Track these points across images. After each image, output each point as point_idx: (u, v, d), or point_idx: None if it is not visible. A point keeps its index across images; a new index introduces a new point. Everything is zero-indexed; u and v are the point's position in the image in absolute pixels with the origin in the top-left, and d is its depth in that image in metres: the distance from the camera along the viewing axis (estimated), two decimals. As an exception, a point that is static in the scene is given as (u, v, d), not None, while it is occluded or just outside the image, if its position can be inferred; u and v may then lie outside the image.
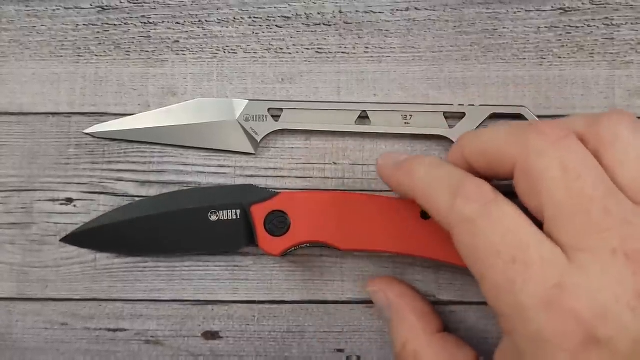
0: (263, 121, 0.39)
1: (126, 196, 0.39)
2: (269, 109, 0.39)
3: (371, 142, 0.39)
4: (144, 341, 0.38)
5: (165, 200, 0.38)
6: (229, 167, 0.39)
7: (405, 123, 0.38)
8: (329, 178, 0.39)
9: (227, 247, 0.38)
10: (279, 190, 0.37)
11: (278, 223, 0.36)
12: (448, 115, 0.38)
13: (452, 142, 0.38)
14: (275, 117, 0.39)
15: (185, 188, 0.39)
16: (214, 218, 0.37)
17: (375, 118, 0.39)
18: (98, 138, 0.39)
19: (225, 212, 0.37)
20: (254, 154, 0.39)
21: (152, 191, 0.39)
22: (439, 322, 0.35)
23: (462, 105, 0.38)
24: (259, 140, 0.39)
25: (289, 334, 0.38)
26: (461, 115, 0.38)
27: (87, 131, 0.39)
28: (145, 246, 0.38)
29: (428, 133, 0.38)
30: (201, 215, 0.37)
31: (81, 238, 0.38)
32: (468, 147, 0.31)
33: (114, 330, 0.38)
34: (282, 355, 0.38)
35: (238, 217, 0.37)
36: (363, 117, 0.39)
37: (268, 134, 0.39)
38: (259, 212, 0.36)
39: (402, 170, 0.32)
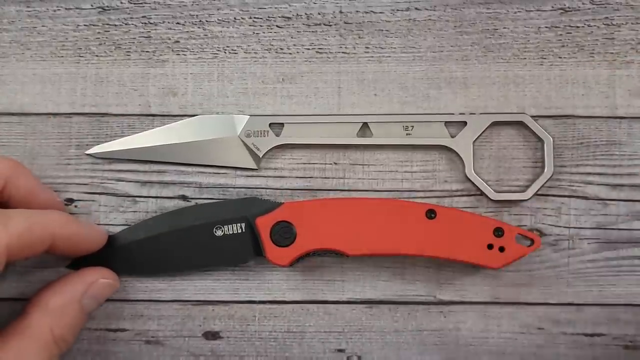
0: (265, 136, 0.39)
1: (127, 196, 0.39)
2: (270, 124, 0.39)
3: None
4: (144, 341, 0.38)
5: (168, 218, 0.38)
6: (230, 167, 0.39)
7: (407, 134, 0.38)
8: (329, 178, 0.39)
9: (235, 260, 0.37)
10: (281, 202, 0.37)
11: (284, 233, 0.36)
12: (449, 125, 0.38)
13: (453, 151, 0.38)
14: (277, 132, 0.39)
15: (189, 204, 0.39)
16: (219, 233, 0.37)
17: (376, 130, 0.38)
18: (100, 159, 0.39)
19: (230, 226, 0.37)
20: (257, 169, 0.39)
21: (153, 191, 0.39)
22: None
23: (464, 114, 0.38)
24: (261, 156, 0.39)
25: (289, 334, 0.38)
26: (462, 124, 0.38)
27: (88, 152, 0.39)
28: (153, 266, 0.38)
29: (430, 143, 0.38)
30: (207, 231, 0.37)
31: (86, 262, 0.37)
32: None
33: (115, 330, 0.38)
34: (282, 355, 0.38)
35: (243, 230, 0.37)
36: (364, 129, 0.39)
37: (270, 148, 0.39)
38: (264, 224, 0.36)
39: None
